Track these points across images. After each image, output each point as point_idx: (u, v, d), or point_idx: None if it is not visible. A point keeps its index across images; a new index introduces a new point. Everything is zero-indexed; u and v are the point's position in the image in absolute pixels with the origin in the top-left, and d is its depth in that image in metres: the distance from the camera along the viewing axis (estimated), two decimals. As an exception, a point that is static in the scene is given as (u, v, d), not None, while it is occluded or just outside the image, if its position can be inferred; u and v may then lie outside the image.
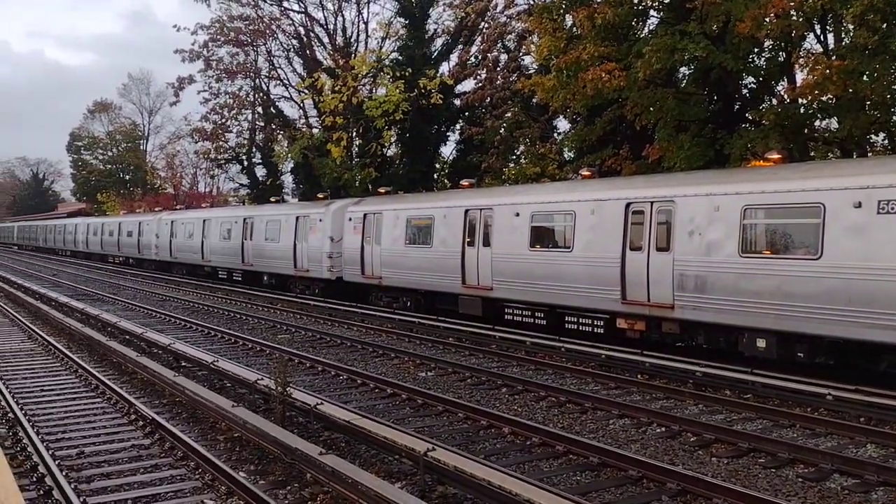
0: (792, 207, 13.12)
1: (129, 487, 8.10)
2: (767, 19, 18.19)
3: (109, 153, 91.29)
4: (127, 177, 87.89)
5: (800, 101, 19.64)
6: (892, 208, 11.54)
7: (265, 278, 31.95)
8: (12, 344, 17.96)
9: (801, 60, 19.46)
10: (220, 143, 50.98)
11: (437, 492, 7.80)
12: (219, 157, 53.26)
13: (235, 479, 7.91)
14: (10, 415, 10.82)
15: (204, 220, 37.42)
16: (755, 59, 21.84)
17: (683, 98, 22.23)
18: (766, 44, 21.13)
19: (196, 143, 53.22)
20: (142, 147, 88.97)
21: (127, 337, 17.82)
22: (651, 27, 23.81)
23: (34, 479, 8.13)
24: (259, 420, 9.48)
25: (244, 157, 52.68)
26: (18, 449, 9.27)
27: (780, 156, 15.73)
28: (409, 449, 8.15)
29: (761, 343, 13.31)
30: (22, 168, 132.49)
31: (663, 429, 10.55)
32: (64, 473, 8.19)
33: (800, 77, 20.34)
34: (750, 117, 22.30)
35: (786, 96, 20.51)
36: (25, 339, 18.92)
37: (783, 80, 21.74)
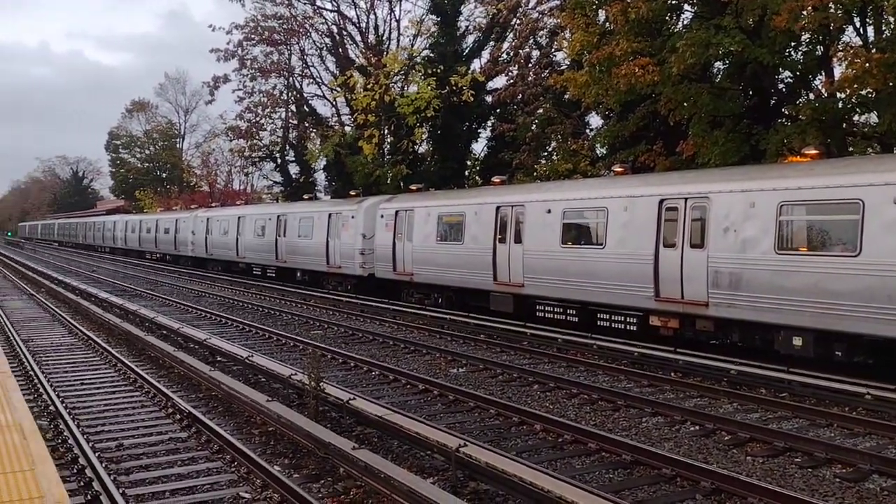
0: (830, 204, 12.90)
1: (166, 479, 8.26)
2: (805, 12, 17.87)
3: (146, 151, 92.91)
4: (164, 175, 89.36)
5: (838, 95, 19.28)
6: (934, 204, 11.29)
7: (298, 275, 32.26)
8: (54, 339, 18.39)
9: (839, 54, 19.06)
10: (255, 141, 51.53)
11: (469, 487, 7.83)
12: (253, 155, 53.86)
13: (270, 473, 8.03)
14: (52, 408, 11.08)
15: (238, 218, 37.88)
16: (792, 52, 21.47)
17: (718, 93, 21.94)
18: (804, 37, 20.75)
19: (231, 141, 53.86)
20: (178, 145, 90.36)
21: (164, 332, 18.13)
22: (685, 21, 23.56)
23: (75, 471, 8.32)
24: (293, 414, 9.59)
25: (278, 155, 53.22)
26: (60, 441, 9.48)
27: (817, 151, 15.45)
28: (441, 444, 8.19)
29: (797, 341, 13.11)
30: (62, 166, 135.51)
31: (697, 427, 10.46)
32: (104, 465, 8.37)
33: (838, 71, 19.95)
34: (786, 112, 21.94)
35: (823, 90, 20.13)
36: (66, 333, 19.34)
37: (821, 74, 21.34)
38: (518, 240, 19.47)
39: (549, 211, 18.52)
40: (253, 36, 47.28)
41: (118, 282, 35.03)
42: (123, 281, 35.77)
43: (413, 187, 28.23)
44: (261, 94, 49.75)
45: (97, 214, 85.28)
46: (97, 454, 8.78)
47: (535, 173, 34.21)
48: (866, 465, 8.63)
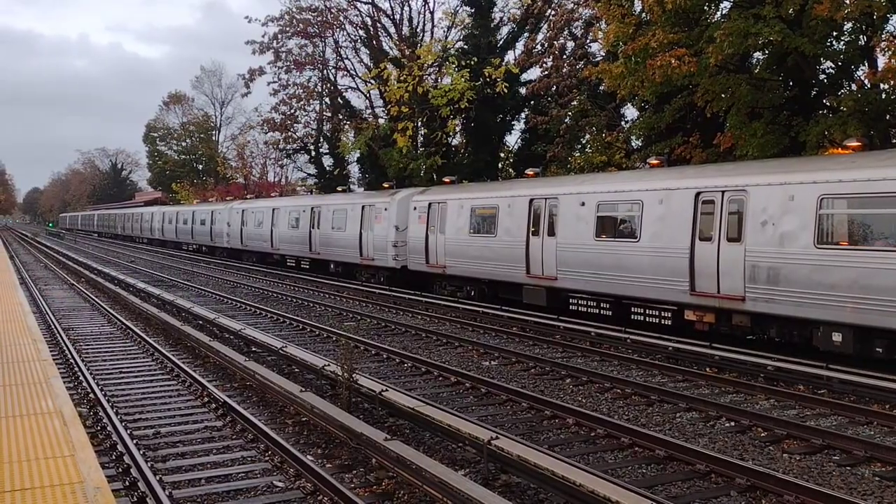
0: (871, 197, 12.60)
1: (202, 467, 8.39)
2: (847, 0, 17.45)
3: (183, 144, 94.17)
4: (200, 167, 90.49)
5: (881, 86, 18.83)
6: (982, 198, 10.97)
7: (332, 266, 32.47)
8: (93, 327, 18.77)
9: (882, 44, 18.61)
10: (289, 133, 51.90)
11: (501, 480, 7.83)
12: (287, 148, 54.28)
13: (303, 462, 8.10)
14: (91, 395, 11.30)
15: (273, 209, 38.24)
16: (834, 42, 21.00)
17: (757, 84, 21.55)
18: (846, 26, 20.29)
19: (266, 133, 54.32)
20: (214, 138, 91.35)
21: (200, 322, 18.39)
22: (723, 11, 23.15)
23: (113, 457, 8.48)
24: (326, 405, 9.66)
25: (312, 147, 53.56)
26: (99, 428, 9.68)
27: (859, 143, 15.11)
28: (472, 437, 8.19)
29: (837, 337, 12.86)
30: (101, 158, 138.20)
31: (733, 423, 10.32)
32: (141, 452, 8.53)
33: (882, 61, 19.47)
34: (827, 104, 21.48)
35: (866, 81, 19.67)
36: (105, 323, 19.72)
37: (863, 65, 20.84)
38: (551, 233, 19.36)
39: (583, 204, 18.38)
40: (288, 28, 47.54)
41: (155, 272, 35.61)
42: (160, 271, 36.36)
43: (446, 179, 28.22)
44: (295, 87, 50.04)
45: (135, 206, 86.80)
46: (135, 441, 8.94)
47: (568, 166, 33.97)
48: (907, 465, 8.45)
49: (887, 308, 11.99)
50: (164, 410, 10.84)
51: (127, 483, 7.72)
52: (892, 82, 18.16)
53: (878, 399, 11.39)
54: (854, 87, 21.02)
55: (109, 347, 15.97)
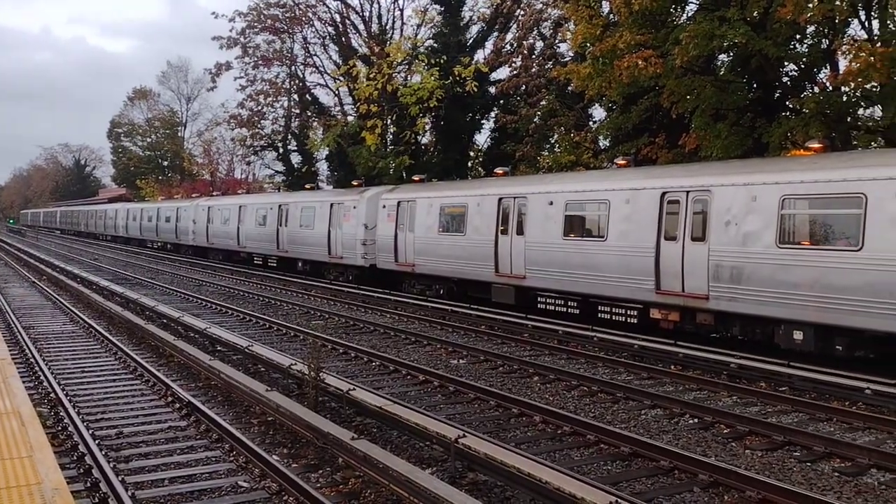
0: (832, 197, 12.86)
1: (166, 468, 8.28)
2: (810, 4, 17.79)
3: (148, 140, 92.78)
4: (165, 163, 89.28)
5: (842, 88, 19.21)
6: (937, 199, 11.25)
7: (300, 265, 32.25)
8: (55, 326, 18.42)
9: (844, 47, 18.98)
10: (256, 129, 51.47)
11: (468, 478, 7.84)
12: (255, 144, 53.82)
13: (269, 462, 8.04)
14: (52, 395, 11.10)
15: (240, 207, 37.87)
16: (797, 45, 21.40)
17: (722, 86, 21.86)
18: (809, 30, 20.69)
19: (233, 129, 53.80)
20: (179, 134, 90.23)
21: (164, 321, 18.14)
22: (689, 13, 23.44)
23: (75, 458, 8.33)
24: (292, 404, 9.59)
25: (280, 144, 53.16)
26: (60, 428, 9.50)
27: (820, 145, 15.40)
28: (440, 435, 8.19)
29: (798, 335, 13.10)
30: (64, 154, 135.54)
31: (696, 420, 10.46)
32: (103, 453, 8.39)
33: (843, 64, 19.86)
34: (790, 105, 21.86)
35: (828, 84, 20.06)
36: (67, 321, 19.37)
37: (825, 68, 21.25)
38: (520, 231, 19.45)
39: (552, 203, 18.49)
40: (256, 24, 47.17)
41: (119, 270, 35.06)
42: (124, 269, 35.81)
43: (415, 178, 28.21)
44: (263, 83, 49.70)
45: (99, 203, 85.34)
46: (97, 441, 8.80)
47: (537, 165, 34.16)
48: (865, 460, 8.63)
49: (847, 307, 12.24)
50: (127, 410, 10.68)
51: (88, 484, 7.59)
52: (853, 85, 18.52)
53: (837, 396, 11.63)
54: (816, 89, 21.42)
55: (71, 346, 15.68)
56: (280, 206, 33.52)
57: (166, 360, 14.26)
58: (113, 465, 8.01)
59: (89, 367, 13.63)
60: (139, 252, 51.21)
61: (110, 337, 16.20)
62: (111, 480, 7.48)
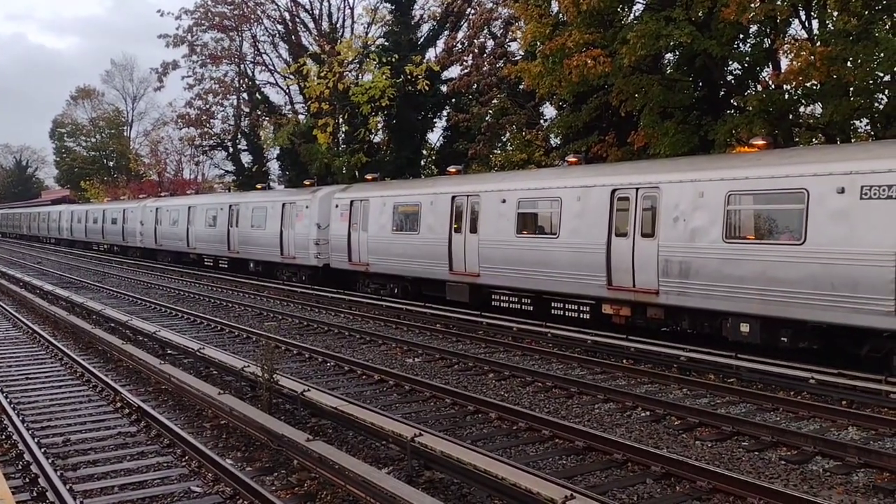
0: (776, 193, 13.20)
1: (115, 475, 8.10)
2: (752, 4, 18.22)
3: (92, 140, 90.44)
4: (111, 164, 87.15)
5: (784, 87, 19.74)
6: (875, 194, 11.64)
7: (251, 265, 31.84)
8: (-4, 332, 17.84)
9: (785, 47, 19.52)
10: (205, 129, 50.62)
11: (425, 476, 7.85)
12: (204, 144, 52.93)
13: (222, 466, 7.92)
14: (-5, 403, 10.75)
15: (189, 207, 37.20)
16: (740, 45, 21.92)
17: (669, 84, 22.28)
18: (752, 29, 21.20)
19: (180, 129, 52.83)
20: (125, 134, 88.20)
21: (112, 325, 17.73)
22: (637, 13, 23.81)
23: (20, 467, 8.10)
24: (246, 407, 9.47)
25: (229, 144, 52.35)
26: (4, 437, 9.23)
27: (764, 142, 15.78)
28: (396, 434, 8.18)
29: (745, 328, 13.42)
30: (4, 155, 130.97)
31: (648, 413, 10.64)
32: (50, 461, 8.17)
33: (784, 63, 20.43)
34: (735, 103, 22.38)
35: (770, 82, 20.60)
36: (10, 327, 18.78)
37: (768, 67, 21.82)
38: (473, 230, 19.52)
39: (504, 201, 18.59)
40: (203, 21, 46.38)
41: (64, 273, 34.15)
42: (70, 273, 34.89)
43: (368, 177, 28.07)
44: (212, 82, 48.89)
45: (42, 204, 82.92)
46: (43, 450, 8.55)
47: (490, 163, 34.32)
48: (810, 448, 8.89)
49: (790, 299, 12.58)
50: (74, 417, 10.41)
51: (35, 493, 7.38)
52: (794, 83, 19.04)
53: (783, 386, 11.95)
54: (759, 87, 21.98)
55: (14, 353, 15.21)
56: (231, 206, 33.03)
57: (115, 364, 13.95)
58: (60, 474, 7.80)
59: (34, 373, 13.24)
60: (85, 255, 49.93)
61: (56, 342, 15.77)
62: (58, 489, 7.28)
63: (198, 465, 8.26)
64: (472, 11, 38.53)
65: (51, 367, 13.82)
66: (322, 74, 36.59)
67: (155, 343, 15.34)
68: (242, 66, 49.54)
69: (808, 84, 19.09)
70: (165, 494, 7.51)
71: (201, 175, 68.20)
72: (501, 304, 18.96)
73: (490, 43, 37.80)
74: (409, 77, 34.40)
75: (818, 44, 18.36)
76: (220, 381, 12.23)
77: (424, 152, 41.91)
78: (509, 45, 36.56)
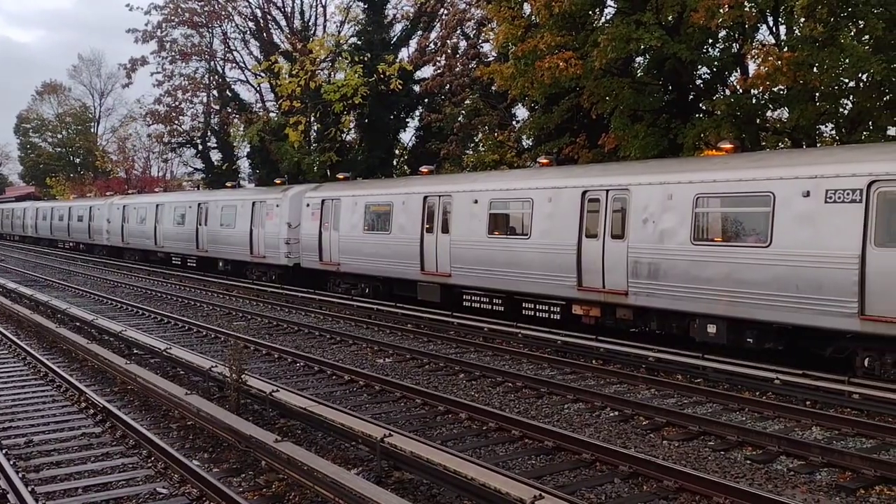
0: (743, 196, 13.39)
1: (79, 476, 7.97)
2: (721, 10, 18.46)
3: (59, 136, 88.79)
4: (77, 160, 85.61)
5: (752, 91, 20.02)
6: (840, 198, 11.84)
7: (220, 264, 31.50)
8: (-43, 331, 17.46)
9: (753, 52, 19.81)
10: (174, 126, 49.99)
11: (394, 477, 7.83)
12: (172, 141, 52.27)
13: (189, 468, 7.83)
14: (-45, 404, 10.53)
15: (157, 205, 36.71)
16: (709, 49, 22.20)
17: (639, 88, 22.49)
18: (720, 34, 21.48)
19: (149, 126, 52.11)
20: (92, 130, 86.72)
21: (77, 324, 17.44)
22: (608, 17, 24.01)
23: (-20, 470, 7.93)
24: (213, 408, 9.38)
25: (199, 141, 51.79)
26: (-37, 439, 9.03)
27: (732, 145, 16.01)
28: (365, 435, 8.15)
29: (712, 329, 13.59)
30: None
31: (616, 413, 10.73)
32: (11, 462, 8.01)
33: (752, 68, 20.73)
34: (703, 107, 22.66)
35: (738, 87, 20.87)
36: (-30, 326, 18.40)
37: (736, 71, 22.14)
38: (445, 230, 19.51)
39: (476, 201, 18.63)
40: (173, 17, 45.81)
41: (28, 271, 33.51)
42: (34, 271, 34.25)
43: (340, 176, 27.94)
44: (181, 78, 48.29)
45: (6, 201, 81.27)
46: (4, 451, 8.40)
47: (462, 164, 34.36)
48: (775, 447, 9.02)
49: (756, 301, 12.77)
50: (37, 418, 10.22)
51: (-6, 497, 7.23)
52: (761, 88, 19.32)
53: (749, 387, 12.12)
54: (727, 92, 22.28)
55: (-25, 352, 14.91)
56: (200, 204, 32.65)
57: (80, 364, 13.73)
58: (22, 476, 7.65)
59: (-5, 373, 12.99)
60: (50, 253, 49.06)
61: (19, 341, 15.48)
62: (20, 491, 7.15)
63: (164, 466, 8.15)
64: (445, 12, 38.54)
65: (13, 367, 13.56)
66: (294, 72, 36.34)
67: (121, 343, 15.12)
68: (213, 62, 49.08)
69: (775, 89, 19.41)
70: (131, 496, 7.41)
71: (170, 173, 67.42)
72: (473, 305, 18.98)
73: (463, 44, 37.86)
74: (381, 76, 34.30)
75: (785, 49, 18.66)
76: (188, 382, 12.09)
77: (397, 152, 41.85)
78: (482, 47, 36.65)
